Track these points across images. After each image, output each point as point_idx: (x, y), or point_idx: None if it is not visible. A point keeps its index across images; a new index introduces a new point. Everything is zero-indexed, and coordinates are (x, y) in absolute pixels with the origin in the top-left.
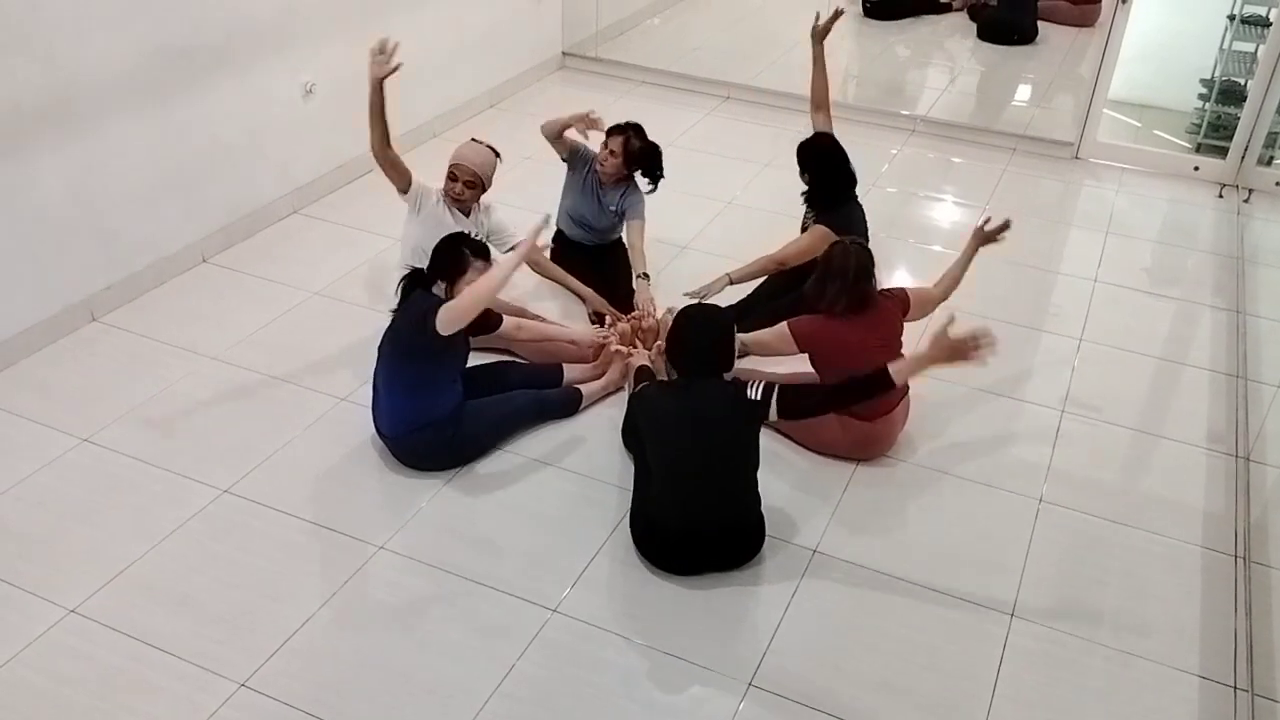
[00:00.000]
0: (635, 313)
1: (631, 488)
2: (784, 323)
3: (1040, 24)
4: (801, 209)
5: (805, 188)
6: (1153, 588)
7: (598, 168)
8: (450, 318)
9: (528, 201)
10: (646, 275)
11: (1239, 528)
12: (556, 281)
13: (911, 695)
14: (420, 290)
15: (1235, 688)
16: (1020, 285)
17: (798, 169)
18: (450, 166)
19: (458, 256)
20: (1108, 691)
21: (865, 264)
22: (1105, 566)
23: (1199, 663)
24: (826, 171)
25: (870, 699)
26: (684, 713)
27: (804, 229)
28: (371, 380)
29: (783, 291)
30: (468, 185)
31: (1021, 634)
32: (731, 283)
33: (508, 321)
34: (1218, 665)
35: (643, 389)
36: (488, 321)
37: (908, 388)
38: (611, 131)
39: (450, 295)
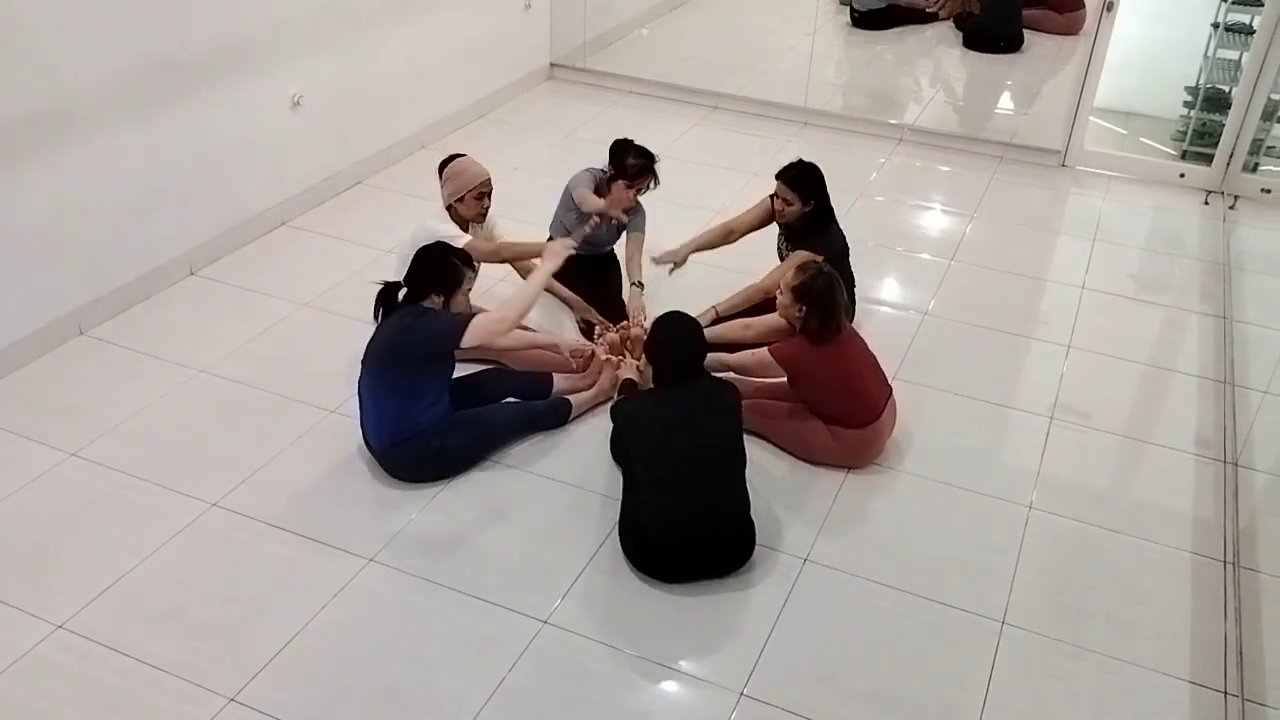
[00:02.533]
0: (623, 322)
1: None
2: (764, 350)
3: (1026, 32)
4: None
5: (789, 216)
6: (1143, 593)
7: (628, 203)
8: (484, 335)
9: (517, 212)
10: (641, 284)
11: (1228, 533)
12: (545, 289)
13: (903, 704)
14: (411, 303)
15: (1225, 693)
16: (1008, 293)
17: (795, 199)
18: (479, 185)
19: (452, 269)
20: (1099, 698)
21: (838, 291)
22: (1095, 573)
23: (1189, 668)
24: (823, 197)
25: (861, 708)
26: None
27: (781, 254)
28: (357, 394)
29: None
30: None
31: (1012, 641)
32: (719, 315)
33: (483, 319)
34: (1208, 670)
35: (620, 402)
36: None
37: (891, 392)
38: (641, 174)
39: (448, 307)
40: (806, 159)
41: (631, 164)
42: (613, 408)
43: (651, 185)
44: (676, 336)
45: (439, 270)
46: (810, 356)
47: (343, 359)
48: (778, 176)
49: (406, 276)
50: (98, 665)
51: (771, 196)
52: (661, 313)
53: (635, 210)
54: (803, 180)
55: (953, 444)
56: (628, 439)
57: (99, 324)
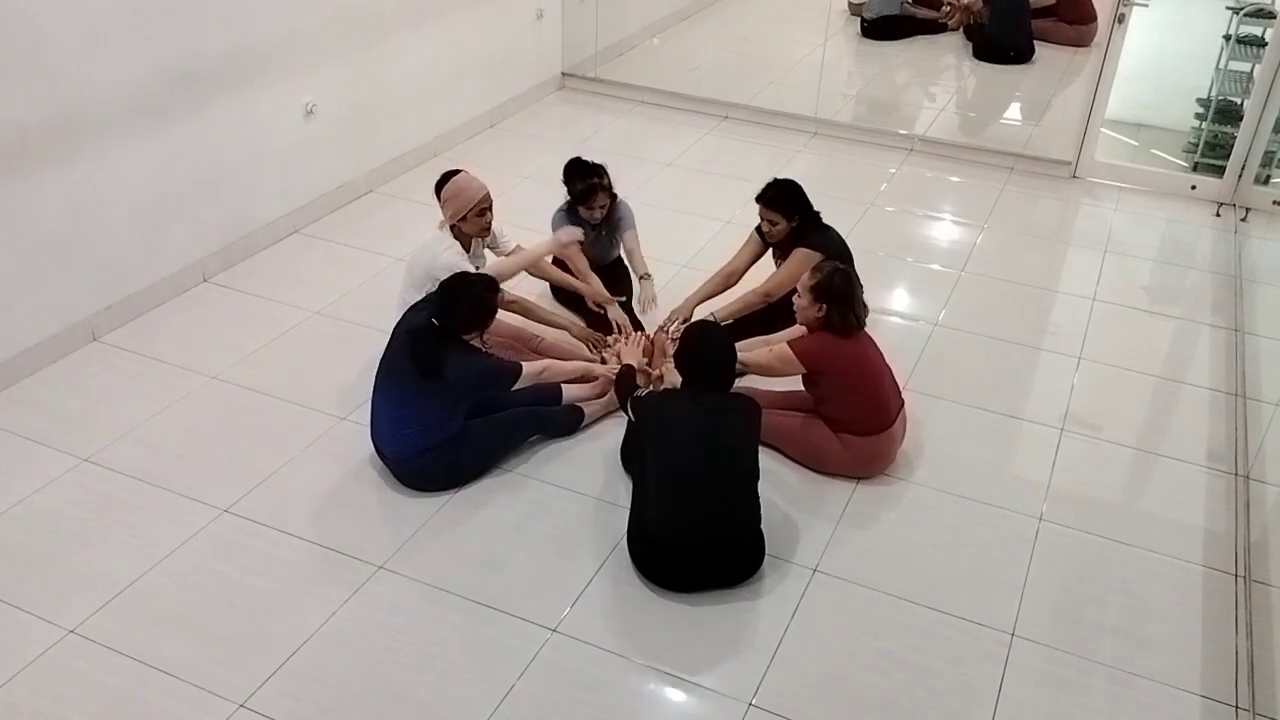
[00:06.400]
0: (636, 334)
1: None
2: (783, 345)
3: (1036, 43)
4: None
5: (778, 235)
6: (1153, 607)
7: (595, 218)
8: (530, 381)
9: (529, 221)
10: (649, 275)
11: (1239, 546)
12: (554, 281)
13: (911, 716)
14: (451, 340)
15: (1236, 707)
16: (1019, 304)
17: (779, 218)
18: (480, 202)
19: (489, 308)
20: (1109, 712)
21: (856, 286)
22: (1105, 585)
23: (1200, 682)
24: (806, 206)
25: (870, 719)
26: None
27: (778, 262)
28: (371, 402)
29: (762, 323)
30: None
31: (1022, 653)
32: (718, 322)
33: (529, 367)
34: (1219, 684)
35: (645, 395)
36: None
37: (903, 403)
38: (590, 195)
39: (484, 341)
40: (784, 177)
41: (579, 188)
42: (634, 399)
43: (603, 201)
44: (710, 350)
45: (476, 310)
46: (832, 350)
47: (354, 367)
48: (757, 201)
49: (441, 312)
50: (108, 670)
51: (757, 227)
52: (695, 321)
53: (613, 214)
54: (781, 199)
55: (963, 455)
56: (644, 434)
57: (112, 330)
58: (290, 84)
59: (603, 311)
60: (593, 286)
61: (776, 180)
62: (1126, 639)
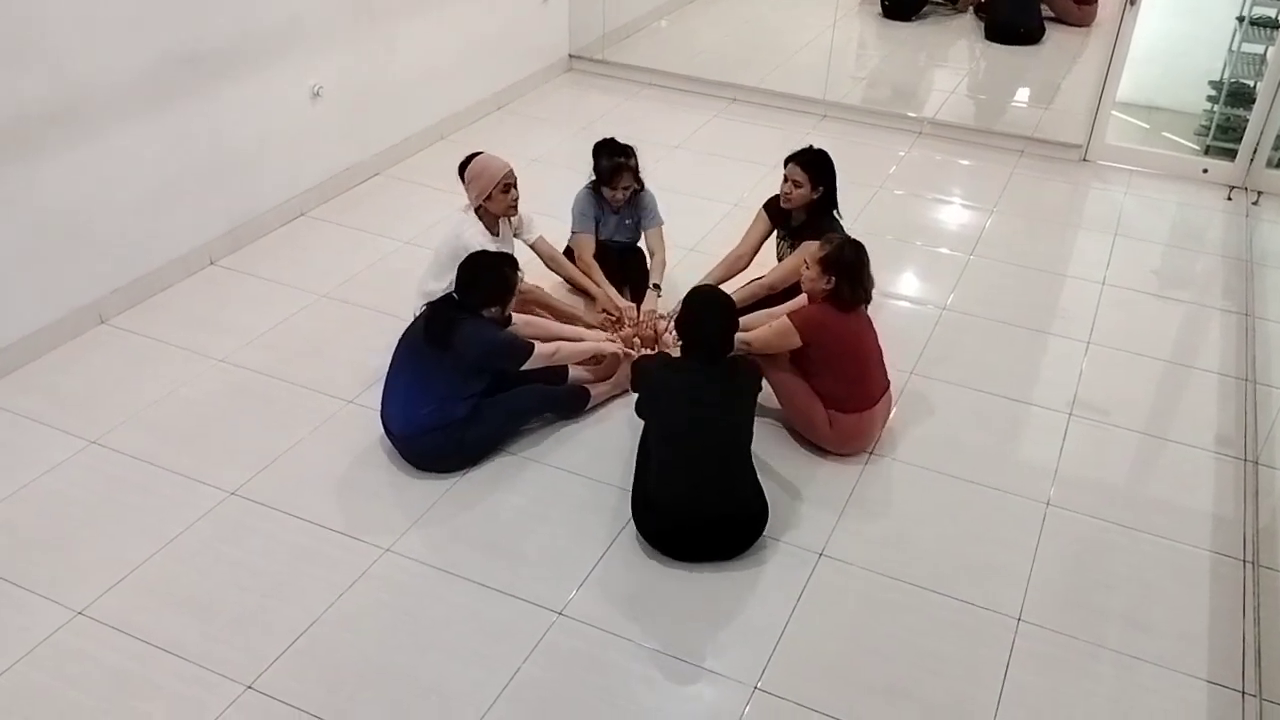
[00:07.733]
0: (640, 318)
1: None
2: (783, 318)
3: (1047, 23)
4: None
5: (795, 201)
6: (1160, 592)
7: (618, 200)
8: (542, 362)
9: (536, 204)
10: (658, 288)
11: (1247, 532)
12: (568, 279)
13: (917, 700)
14: (469, 314)
15: (1243, 692)
16: (1028, 288)
17: (806, 181)
18: (504, 179)
19: (506, 282)
20: (1115, 696)
21: (867, 260)
22: (1112, 570)
23: (1207, 667)
24: (833, 183)
25: (876, 703)
26: (690, 716)
27: (780, 255)
28: (383, 382)
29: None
30: (514, 186)
31: (1028, 638)
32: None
33: (541, 348)
34: (1226, 670)
35: (645, 360)
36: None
37: (889, 384)
38: (615, 174)
39: (505, 317)
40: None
41: (604, 166)
42: (636, 365)
43: (628, 183)
44: (710, 312)
45: (495, 284)
46: (831, 321)
47: (361, 349)
48: (789, 160)
49: (459, 288)
50: (116, 651)
51: (765, 204)
52: (698, 286)
53: (639, 204)
54: (815, 163)
55: (970, 439)
56: (644, 400)
57: (120, 313)
58: (297, 66)
59: (608, 318)
60: (605, 292)
61: (813, 147)
62: (1133, 624)
